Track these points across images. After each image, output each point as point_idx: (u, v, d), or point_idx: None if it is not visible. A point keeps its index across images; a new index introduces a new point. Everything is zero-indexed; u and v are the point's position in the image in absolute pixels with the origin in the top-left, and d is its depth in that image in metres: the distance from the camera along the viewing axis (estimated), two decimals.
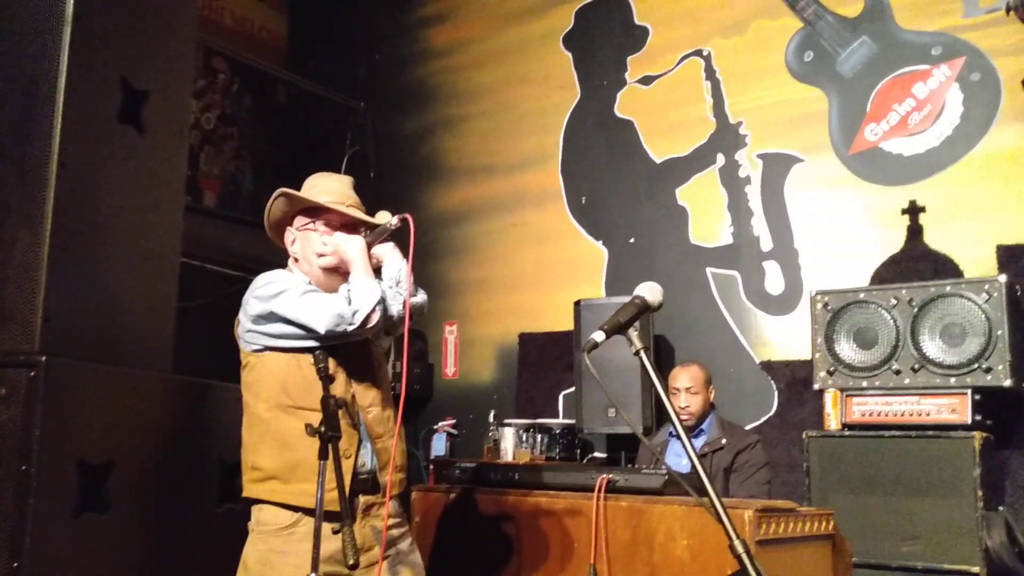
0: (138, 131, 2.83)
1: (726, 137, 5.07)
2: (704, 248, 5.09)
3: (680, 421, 1.76)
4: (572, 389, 5.04)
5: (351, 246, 2.42)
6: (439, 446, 5.76)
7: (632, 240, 5.35)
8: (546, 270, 5.64)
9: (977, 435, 3.56)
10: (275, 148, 6.17)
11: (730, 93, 5.09)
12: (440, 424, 5.78)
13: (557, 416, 5.33)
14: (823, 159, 4.74)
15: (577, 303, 4.81)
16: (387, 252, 2.50)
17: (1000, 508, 3.65)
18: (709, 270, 5.05)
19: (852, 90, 4.69)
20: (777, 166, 4.89)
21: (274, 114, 6.32)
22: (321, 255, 2.46)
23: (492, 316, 5.83)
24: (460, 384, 5.91)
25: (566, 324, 5.09)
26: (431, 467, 5.49)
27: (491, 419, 5.16)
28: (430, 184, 6.22)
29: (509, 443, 4.93)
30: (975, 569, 3.46)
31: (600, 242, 5.48)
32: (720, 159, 5.07)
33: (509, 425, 4.99)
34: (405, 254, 2.44)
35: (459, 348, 5.95)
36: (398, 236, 2.45)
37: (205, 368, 2.98)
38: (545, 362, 5.54)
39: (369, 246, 2.45)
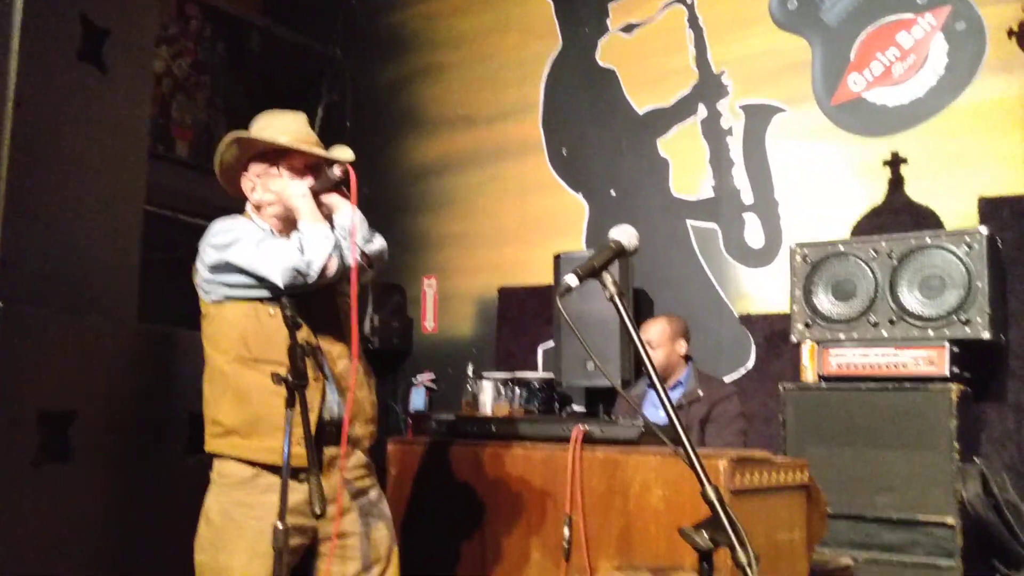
0: (99, 70, 2.73)
1: (708, 87, 4.99)
2: (685, 201, 5.04)
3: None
4: (552, 343, 5.00)
5: (294, 192, 2.32)
6: (418, 400, 5.74)
7: (613, 193, 5.29)
8: (526, 223, 5.57)
9: (954, 387, 3.56)
10: (249, 97, 6.03)
11: (713, 42, 5.00)
12: (419, 378, 5.75)
13: (536, 370, 5.30)
14: (805, 110, 4.68)
15: (557, 257, 4.77)
16: (337, 200, 2.37)
17: (976, 460, 3.66)
18: (690, 223, 5.01)
19: (836, 39, 4.61)
20: (759, 117, 4.83)
21: (248, 62, 6.17)
22: (270, 204, 2.37)
23: (472, 270, 5.78)
24: (439, 338, 5.87)
25: (546, 278, 5.04)
26: (409, 421, 5.47)
27: (469, 373, 5.13)
28: (408, 135, 6.11)
29: (488, 397, 4.88)
30: (950, 520, 3.48)
31: (581, 195, 5.42)
32: (702, 110, 5.00)
33: (488, 379, 4.96)
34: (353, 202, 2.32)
35: (438, 302, 5.90)
36: (345, 185, 2.34)
37: (180, 320, 2.91)
38: (525, 316, 5.50)
39: (316, 194, 2.34)
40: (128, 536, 2.62)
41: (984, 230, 3.69)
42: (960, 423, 3.53)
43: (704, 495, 1.53)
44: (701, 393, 4.08)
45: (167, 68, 5.60)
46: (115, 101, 2.79)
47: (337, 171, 2.31)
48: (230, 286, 2.29)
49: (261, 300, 2.28)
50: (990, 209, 4.09)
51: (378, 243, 2.42)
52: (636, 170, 5.20)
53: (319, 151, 2.40)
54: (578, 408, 5.07)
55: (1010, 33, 4.08)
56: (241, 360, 2.27)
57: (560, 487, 2.69)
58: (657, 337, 4.18)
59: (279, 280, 2.21)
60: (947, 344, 3.65)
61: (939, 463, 3.53)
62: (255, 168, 2.40)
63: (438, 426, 3.24)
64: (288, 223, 2.38)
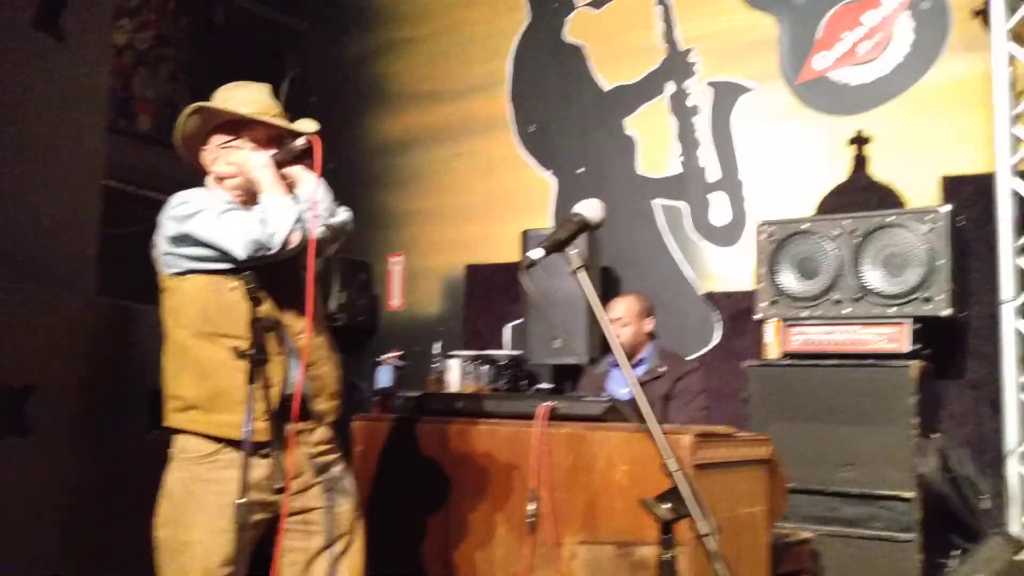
0: (56, 39, 2.66)
1: (676, 64, 4.98)
2: (652, 179, 5.04)
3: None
4: (519, 321, 5.00)
5: (256, 163, 2.28)
6: (384, 378, 5.70)
7: (581, 170, 5.28)
8: (494, 200, 5.55)
9: (915, 364, 3.60)
10: (213, 70, 5.92)
11: (681, 18, 4.98)
12: (385, 356, 5.71)
13: (504, 348, 5.30)
14: (772, 88, 4.69)
15: (524, 233, 4.75)
16: (300, 172, 2.33)
17: (935, 436, 3.71)
18: (656, 201, 5.01)
19: (803, 17, 4.62)
20: (726, 95, 4.83)
21: (212, 35, 6.06)
22: (231, 176, 2.33)
23: (439, 247, 5.75)
24: (406, 316, 5.84)
25: (513, 255, 5.03)
26: (376, 398, 5.44)
27: (437, 351, 5.11)
28: (374, 110, 6.05)
29: (455, 374, 4.89)
30: (908, 495, 3.53)
31: (549, 172, 5.40)
32: (670, 87, 4.99)
33: (455, 357, 4.95)
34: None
35: (405, 280, 5.87)
36: (308, 157, 2.30)
37: (143, 296, 2.86)
38: (492, 294, 5.49)
39: (278, 165, 2.30)
40: (87, 512, 2.59)
41: (946, 208, 3.72)
42: (920, 399, 3.57)
43: (665, 466, 1.53)
44: (663, 370, 4.12)
45: (129, 41, 5.49)
46: (73, 71, 2.73)
47: (300, 142, 2.28)
48: (191, 259, 2.25)
49: (222, 273, 2.24)
50: (953, 188, 4.14)
51: (342, 215, 2.38)
52: (604, 147, 5.19)
53: (282, 123, 2.36)
54: (545, 386, 5.08)
55: (975, 13, 4.11)
56: (202, 334, 2.24)
57: (526, 463, 2.69)
58: (625, 314, 4.20)
59: (240, 252, 2.18)
60: (909, 321, 3.69)
61: (899, 439, 3.57)
62: (217, 140, 2.36)
63: (404, 403, 3.22)
64: (250, 196, 2.34)
